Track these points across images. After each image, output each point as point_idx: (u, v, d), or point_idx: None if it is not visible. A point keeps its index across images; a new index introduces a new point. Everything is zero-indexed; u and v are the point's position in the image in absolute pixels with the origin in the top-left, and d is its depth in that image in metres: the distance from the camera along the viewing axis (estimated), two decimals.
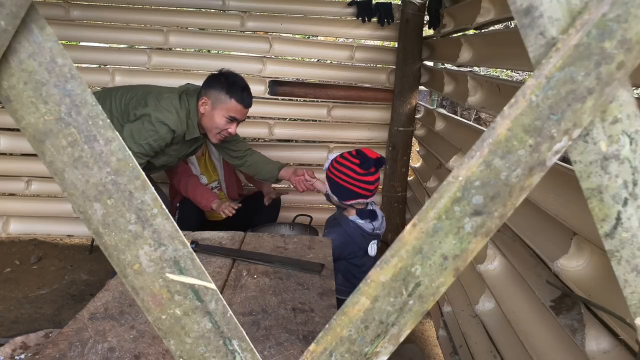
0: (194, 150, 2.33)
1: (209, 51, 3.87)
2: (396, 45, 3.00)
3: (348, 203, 1.82)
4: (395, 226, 3.13)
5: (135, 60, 3.00)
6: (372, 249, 1.87)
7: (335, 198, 1.84)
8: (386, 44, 3.89)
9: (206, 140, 2.69)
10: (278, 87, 3.06)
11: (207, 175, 2.68)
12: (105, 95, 2.25)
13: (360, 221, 1.83)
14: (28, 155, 3.05)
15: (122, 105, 2.18)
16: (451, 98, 2.52)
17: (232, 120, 2.04)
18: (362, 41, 3.11)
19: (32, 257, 2.87)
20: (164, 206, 0.50)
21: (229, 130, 2.07)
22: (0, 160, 3.04)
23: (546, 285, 1.31)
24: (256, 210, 2.67)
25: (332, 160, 1.85)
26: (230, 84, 2.02)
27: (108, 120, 0.48)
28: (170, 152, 2.17)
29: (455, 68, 2.58)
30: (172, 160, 2.24)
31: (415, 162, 3.45)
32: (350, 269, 1.84)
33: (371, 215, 1.85)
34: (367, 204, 1.86)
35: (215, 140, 2.12)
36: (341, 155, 1.82)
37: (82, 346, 0.95)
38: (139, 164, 1.97)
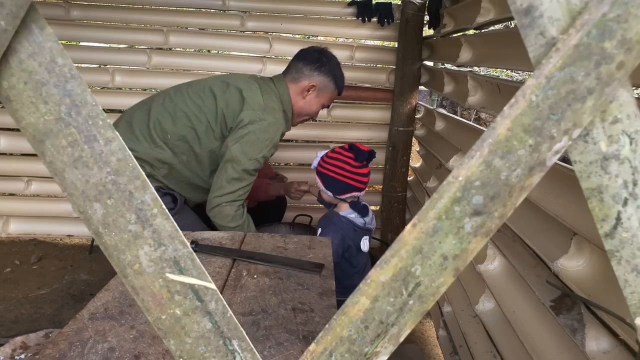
0: None
1: (209, 51, 3.87)
2: (396, 45, 2.99)
3: (342, 197, 1.84)
4: (395, 226, 3.13)
5: (135, 60, 3.00)
6: (364, 244, 1.89)
7: (329, 193, 1.86)
8: (386, 44, 3.89)
9: None
10: None
11: None
12: (139, 111, 1.84)
13: (352, 215, 1.85)
14: (28, 155, 3.05)
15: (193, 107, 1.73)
16: (451, 98, 2.52)
17: (327, 106, 1.87)
18: (362, 41, 3.11)
19: (32, 257, 2.87)
20: (164, 206, 0.50)
21: (315, 116, 1.90)
22: (0, 160, 3.05)
23: (546, 285, 1.31)
24: (262, 212, 2.67)
25: (322, 157, 1.86)
26: (337, 72, 1.79)
27: (108, 120, 0.48)
28: None
29: (455, 68, 2.58)
30: None
31: (415, 162, 3.45)
32: (345, 268, 1.85)
33: (363, 210, 1.87)
34: (358, 197, 1.88)
35: (295, 125, 1.92)
36: (332, 151, 1.84)
37: (82, 346, 0.95)
38: (249, 185, 1.63)
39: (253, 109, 1.67)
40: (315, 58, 1.78)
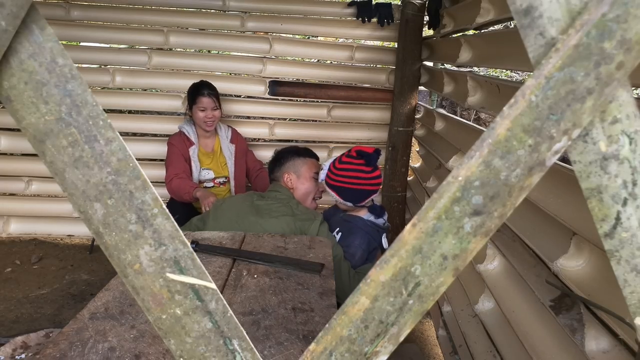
0: None
1: (209, 51, 3.88)
2: (396, 46, 3.00)
3: (363, 204, 1.81)
4: (395, 226, 3.13)
5: (135, 60, 3.00)
6: (385, 242, 1.89)
7: (349, 204, 1.80)
8: (386, 44, 3.89)
9: (219, 134, 2.70)
10: (278, 88, 3.06)
11: (215, 170, 2.68)
12: None
13: (372, 217, 1.83)
14: (28, 155, 3.06)
15: None
16: (451, 98, 2.52)
17: (317, 176, 2.00)
18: (362, 41, 3.11)
19: (33, 257, 2.87)
20: (164, 206, 0.50)
21: (320, 189, 2.01)
22: (0, 160, 3.05)
23: (546, 285, 1.31)
24: None
25: (329, 168, 1.80)
26: (294, 150, 2.04)
27: (109, 121, 0.48)
28: None
29: (455, 68, 2.58)
30: None
31: (415, 162, 3.45)
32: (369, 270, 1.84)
33: (382, 211, 1.86)
34: (372, 200, 1.86)
35: (313, 206, 2.02)
36: (340, 161, 1.78)
37: (82, 346, 0.95)
38: None
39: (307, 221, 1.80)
40: (275, 161, 2.04)
